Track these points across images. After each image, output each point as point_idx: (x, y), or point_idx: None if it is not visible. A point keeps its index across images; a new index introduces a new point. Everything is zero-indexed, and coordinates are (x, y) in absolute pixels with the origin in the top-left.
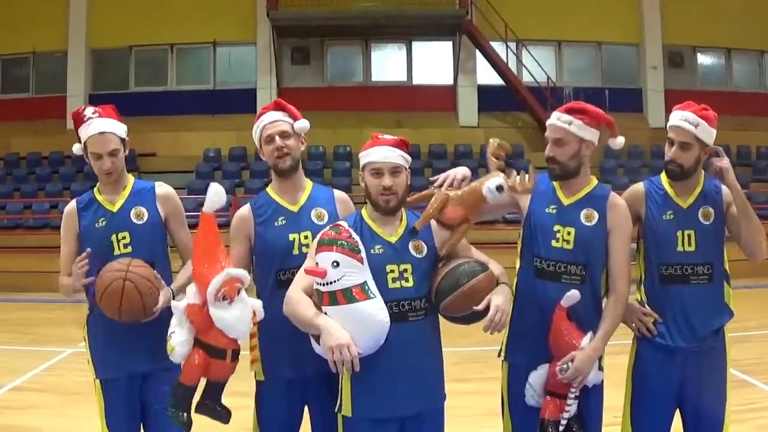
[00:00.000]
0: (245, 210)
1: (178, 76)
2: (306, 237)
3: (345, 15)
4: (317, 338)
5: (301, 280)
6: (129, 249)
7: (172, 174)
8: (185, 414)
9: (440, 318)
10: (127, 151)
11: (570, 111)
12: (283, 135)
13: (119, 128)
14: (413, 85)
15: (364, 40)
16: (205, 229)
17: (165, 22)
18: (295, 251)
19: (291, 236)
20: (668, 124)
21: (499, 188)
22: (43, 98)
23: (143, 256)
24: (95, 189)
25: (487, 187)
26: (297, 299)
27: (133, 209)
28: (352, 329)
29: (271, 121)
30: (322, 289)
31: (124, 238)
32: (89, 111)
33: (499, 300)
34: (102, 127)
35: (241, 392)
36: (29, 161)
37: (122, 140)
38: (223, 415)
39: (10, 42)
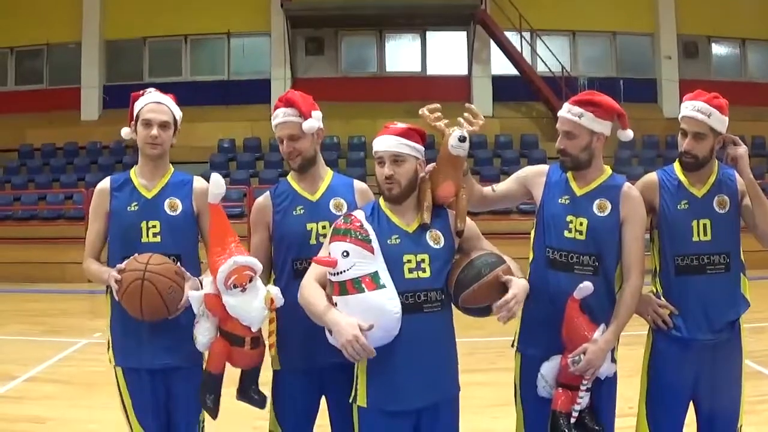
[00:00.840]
0: (264, 198)
1: (192, 66)
2: (324, 227)
3: (359, 5)
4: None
5: (315, 270)
6: (157, 239)
7: (186, 164)
8: (211, 400)
9: (453, 310)
10: (175, 139)
11: (581, 103)
12: (292, 138)
13: (176, 108)
14: (427, 75)
15: (378, 31)
16: (213, 219)
17: (179, 13)
18: (313, 240)
19: (309, 225)
20: (680, 115)
21: (462, 139)
22: (58, 90)
23: (170, 248)
24: (132, 170)
25: (451, 145)
26: (309, 291)
27: (168, 199)
28: (362, 319)
29: (280, 122)
30: (333, 279)
31: (154, 226)
32: (150, 89)
33: (518, 289)
34: (160, 97)
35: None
36: (43, 152)
37: (175, 122)
38: (259, 401)
39: (24, 34)
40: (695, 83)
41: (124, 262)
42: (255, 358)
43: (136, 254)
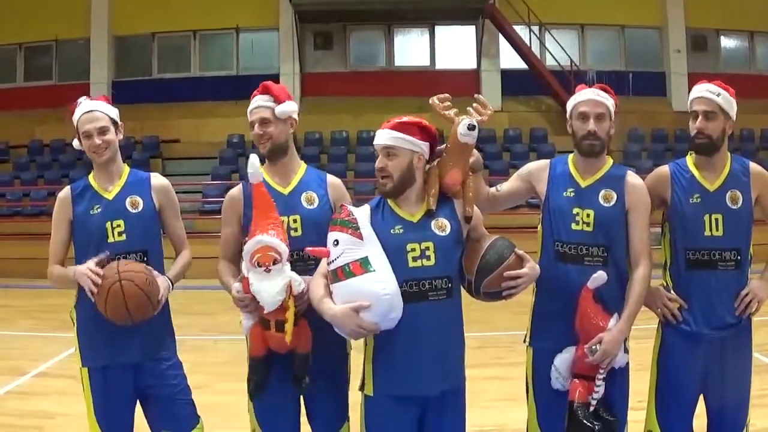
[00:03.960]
0: (236, 191)
1: (201, 62)
2: (295, 220)
3: (368, 0)
4: None
5: (322, 265)
6: (123, 237)
7: (195, 160)
8: (253, 383)
9: (462, 305)
10: (121, 136)
11: (604, 90)
12: (263, 122)
13: (108, 109)
14: (436, 69)
15: (387, 25)
16: (256, 198)
17: (187, 9)
18: None
19: (280, 219)
20: (690, 100)
21: (471, 127)
22: (67, 86)
23: (137, 245)
24: (90, 176)
25: (461, 133)
26: (313, 283)
27: (128, 198)
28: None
29: (254, 107)
30: (329, 268)
31: (118, 226)
32: (81, 99)
33: (532, 270)
34: (90, 106)
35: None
36: (53, 148)
37: (114, 123)
38: (303, 388)
39: (32, 30)
40: (704, 76)
41: (93, 261)
42: (285, 342)
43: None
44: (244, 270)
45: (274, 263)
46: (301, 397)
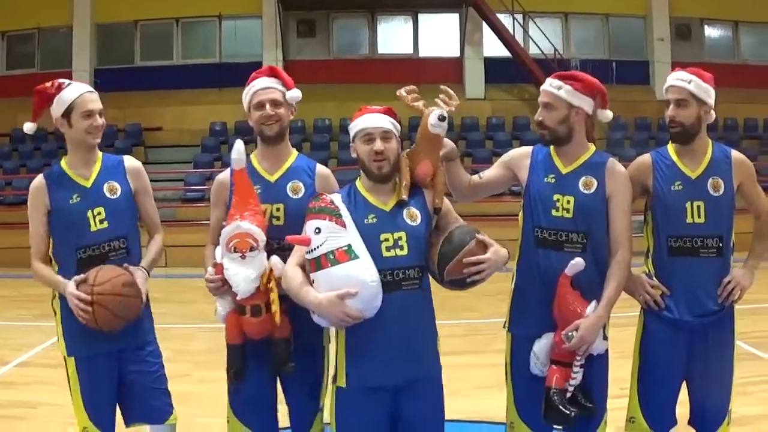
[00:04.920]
0: (224, 175)
1: (183, 50)
2: (278, 209)
3: None
4: None
5: (295, 255)
6: (105, 225)
7: (178, 148)
8: (233, 372)
9: (441, 293)
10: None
11: (561, 77)
12: (275, 103)
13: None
14: (419, 57)
15: (370, 13)
16: (236, 184)
17: None
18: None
19: (263, 206)
20: (664, 88)
21: (441, 118)
22: (49, 74)
23: (118, 231)
24: (63, 163)
25: (431, 124)
26: (288, 272)
27: (106, 184)
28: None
29: (263, 87)
30: (309, 257)
31: (99, 213)
32: (63, 81)
33: (497, 255)
34: (87, 86)
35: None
36: (35, 137)
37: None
38: (287, 371)
39: (15, 18)
40: (688, 65)
41: (74, 285)
42: (261, 327)
43: (79, 277)
44: (217, 255)
45: (250, 250)
46: (279, 386)
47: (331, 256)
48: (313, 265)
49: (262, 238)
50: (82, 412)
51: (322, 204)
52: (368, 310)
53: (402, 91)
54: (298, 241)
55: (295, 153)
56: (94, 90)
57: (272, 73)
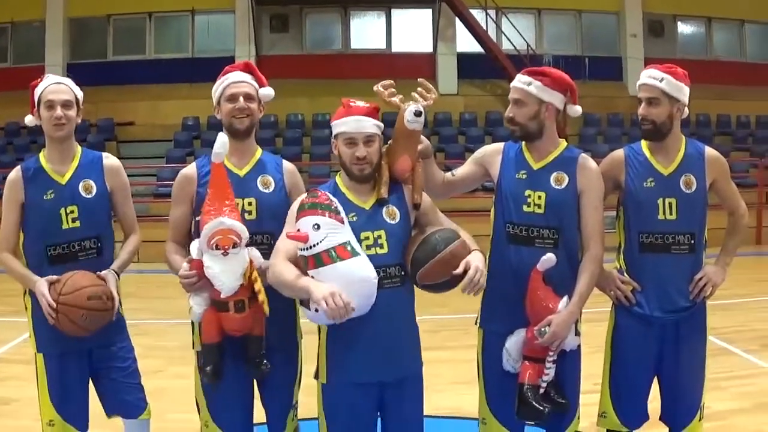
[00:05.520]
0: (189, 170)
1: (156, 44)
2: (250, 203)
3: None
4: (307, 303)
5: (282, 249)
6: (77, 224)
7: (150, 143)
8: (210, 370)
9: (416, 289)
10: (79, 120)
11: (531, 73)
12: (248, 97)
13: (75, 87)
14: (392, 52)
15: (343, 8)
16: (213, 178)
17: None
18: None
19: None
20: (637, 85)
21: (417, 113)
22: (22, 68)
23: (90, 231)
24: (41, 156)
25: (407, 120)
26: (278, 266)
27: (81, 182)
28: (341, 288)
29: (237, 80)
30: (306, 253)
31: (72, 212)
32: (46, 75)
33: (478, 262)
34: (59, 79)
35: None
36: (8, 131)
37: (77, 101)
38: (265, 371)
39: None
40: (661, 61)
41: (46, 285)
42: (244, 322)
43: (53, 278)
44: (193, 251)
45: (233, 246)
46: (255, 385)
47: (333, 253)
48: (311, 262)
49: (245, 234)
50: (47, 406)
51: (319, 200)
52: (363, 307)
53: (379, 86)
54: (297, 238)
55: (259, 149)
56: (65, 82)
57: (247, 68)
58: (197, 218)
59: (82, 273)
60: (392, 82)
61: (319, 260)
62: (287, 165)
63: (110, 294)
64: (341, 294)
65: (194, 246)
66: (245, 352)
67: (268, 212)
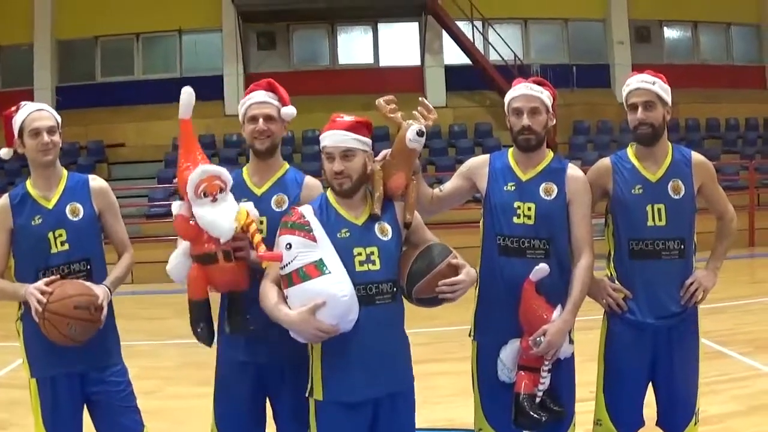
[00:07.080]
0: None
1: (144, 65)
2: (262, 222)
3: None
4: None
5: (271, 271)
6: (66, 247)
7: (141, 164)
8: (202, 329)
9: (406, 303)
10: (59, 143)
11: (539, 83)
12: (268, 118)
13: (54, 112)
14: (380, 67)
15: (330, 24)
16: (182, 134)
17: (130, 11)
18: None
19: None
20: (626, 92)
21: (420, 133)
22: (10, 92)
23: (79, 253)
24: (28, 183)
25: (409, 138)
26: (263, 289)
27: (68, 205)
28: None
29: (258, 101)
30: (281, 273)
31: (60, 235)
32: (22, 103)
33: (468, 276)
34: (39, 105)
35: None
36: None
37: (58, 125)
38: (248, 328)
39: None
40: (648, 67)
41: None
42: (234, 274)
43: (44, 280)
44: (175, 208)
45: (220, 191)
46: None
47: (302, 272)
48: (285, 282)
49: (228, 178)
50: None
51: (293, 219)
52: (343, 324)
53: (381, 101)
54: (269, 258)
55: (285, 165)
56: (45, 108)
57: (270, 87)
58: (173, 181)
59: (71, 282)
60: (393, 98)
61: (290, 280)
62: (307, 180)
63: (97, 304)
64: (321, 329)
65: (176, 205)
66: (230, 307)
67: (277, 231)
